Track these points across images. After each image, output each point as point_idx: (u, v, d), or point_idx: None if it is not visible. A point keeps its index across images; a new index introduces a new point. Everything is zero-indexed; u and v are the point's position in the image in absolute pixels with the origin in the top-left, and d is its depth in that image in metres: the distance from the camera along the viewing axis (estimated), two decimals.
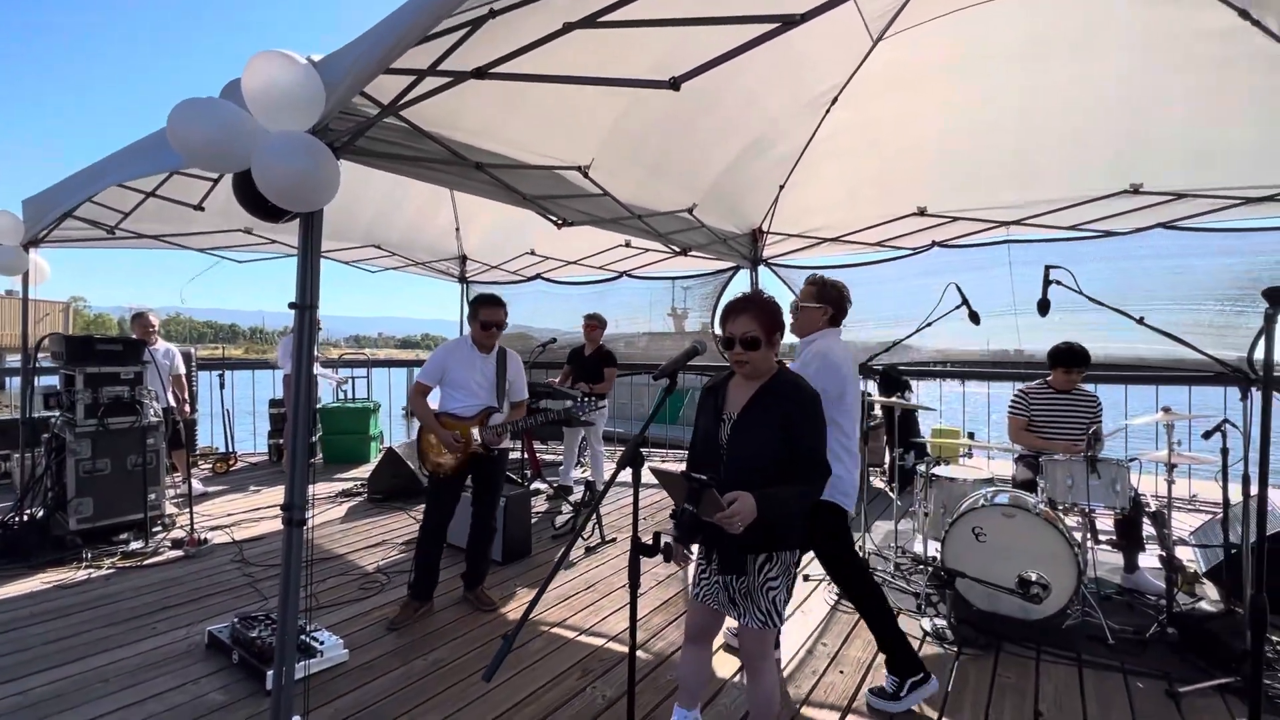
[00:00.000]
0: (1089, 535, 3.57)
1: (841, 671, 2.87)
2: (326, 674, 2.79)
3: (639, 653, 3.03)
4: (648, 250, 6.08)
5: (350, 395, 8.00)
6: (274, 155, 1.88)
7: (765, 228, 5.58)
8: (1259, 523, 1.62)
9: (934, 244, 5.15)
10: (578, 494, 5.67)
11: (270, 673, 2.54)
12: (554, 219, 3.59)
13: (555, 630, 3.27)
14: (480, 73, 1.91)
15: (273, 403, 7.30)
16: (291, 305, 2.16)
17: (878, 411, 6.27)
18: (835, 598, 3.64)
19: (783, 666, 2.90)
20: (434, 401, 3.49)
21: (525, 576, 4.00)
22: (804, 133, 4.55)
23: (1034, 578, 3.19)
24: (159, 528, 4.70)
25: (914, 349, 5.92)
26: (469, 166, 2.96)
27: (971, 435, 5.95)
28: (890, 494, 4.62)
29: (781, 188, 5.12)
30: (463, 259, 7.54)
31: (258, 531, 4.77)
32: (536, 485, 5.96)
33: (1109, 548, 3.97)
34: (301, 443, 2.08)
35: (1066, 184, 4.34)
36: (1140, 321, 3.04)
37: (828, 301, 2.77)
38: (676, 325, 7.62)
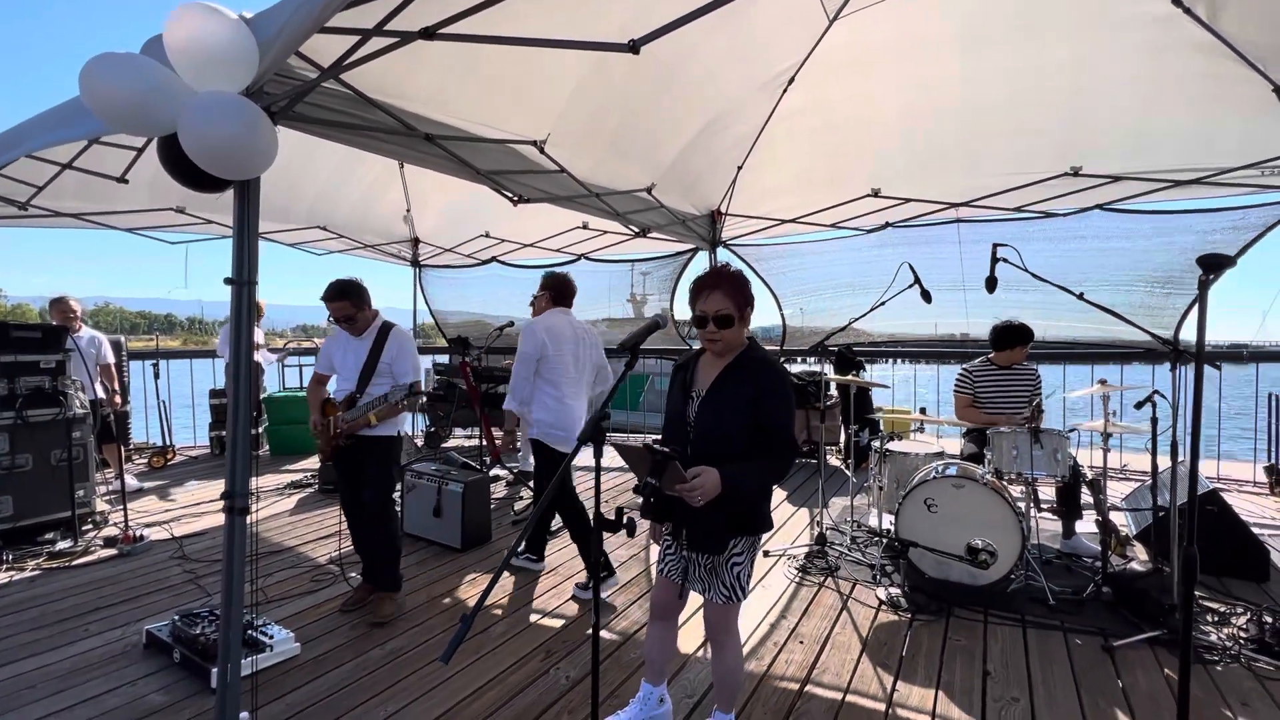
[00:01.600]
0: (1032, 503, 3.73)
1: (801, 643, 2.92)
2: (277, 669, 2.68)
3: (603, 633, 3.03)
4: (606, 232, 6.02)
5: (300, 384, 7.69)
6: (202, 117, 1.75)
7: (724, 209, 5.59)
8: (1190, 482, 1.71)
9: (887, 224, 5.26)
10: None
11: (215, 670, 2.42)
12: (509, 195, 3.49)
13: (518, 614, 3.23)
14: (428, 33, 1.81)
15: (213, 393, 6.95)
16: (228, 281, 2.02)
17: (834, 391, 6.41)
18: (795, 572, 3.71)
19: (745, 640, 2.94)
20: None
21: (485, 563, 3.93)
22: (761, 113, 4.55)
23: (982, 545, 3.32)
24: (89, 526, 4.42)
25: (867, 332, 6.11)
26: (418, 138, 2.83)
27: (923, 411, 6.14)
28: (846, 471, 4.74)
29: (740, 168, 5.12)
30: (415, 242, 7.30)
31: (200, 526, 4.55)
32: (496, 471, 5.87)
33: (1050, 515, 4.16)
34: (243, 426, 1.96)
35: (1011, 166, 4.47)
36: (1080, 296, 3.16)
37: (548, 288, 3.62)
38: (636, 310, 7.60)
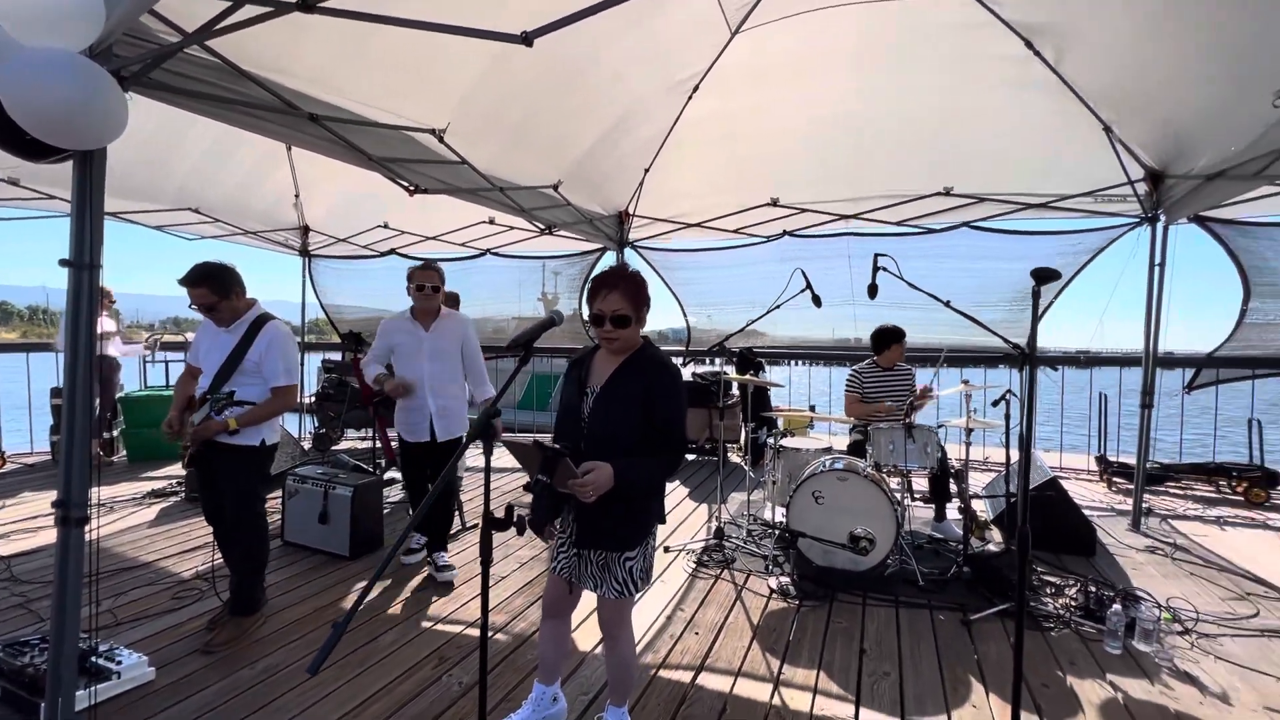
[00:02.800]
0: (907, 493, 4.06)
1: (696, 633, 3.01)
2: (127, 698, 2.41)
3: (499, 635, 2.97)
4: (513, 228, 5.90)
5: (167, 383, 6.94)
6: (30, 75, 1.54)
7: (631, 210, 5.65)
8: (1022, 470, 1.93)
9: (785, 233, 5.53)
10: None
11: (44, 704, 2.14)
12: (404, 184, 3.34)
13: (409, 621, 3.09)
14: (307, 5, 1.70)
15: (54, 392, 6.13)
16: (64, 263, 1.79)
17: (735, 390, 6.65)
18: (694, 565, 3.81)
19: (642, 633, 2.98)
20: None
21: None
22: (668, 117, 4.65)
23: (862, 533, 3.56)
24: None
25: (772, 337, 6.43)
26: (301, 118, 2.65)
27: (813, 408, 6.51)
28: (746, 467, 4.94)
29: (647, 170, 5.19)
30: (305, 230, 6.82)
31: (35, 544, 4.00)
32: (392, 474, 5.59)
33: (923, 503, 4.54)
34: (81, 423, 1.75)
35: (894, 182, 4.85)
36: (947, 304, 3.47)
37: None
38: (547, 309, 7.51)
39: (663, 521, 2.11)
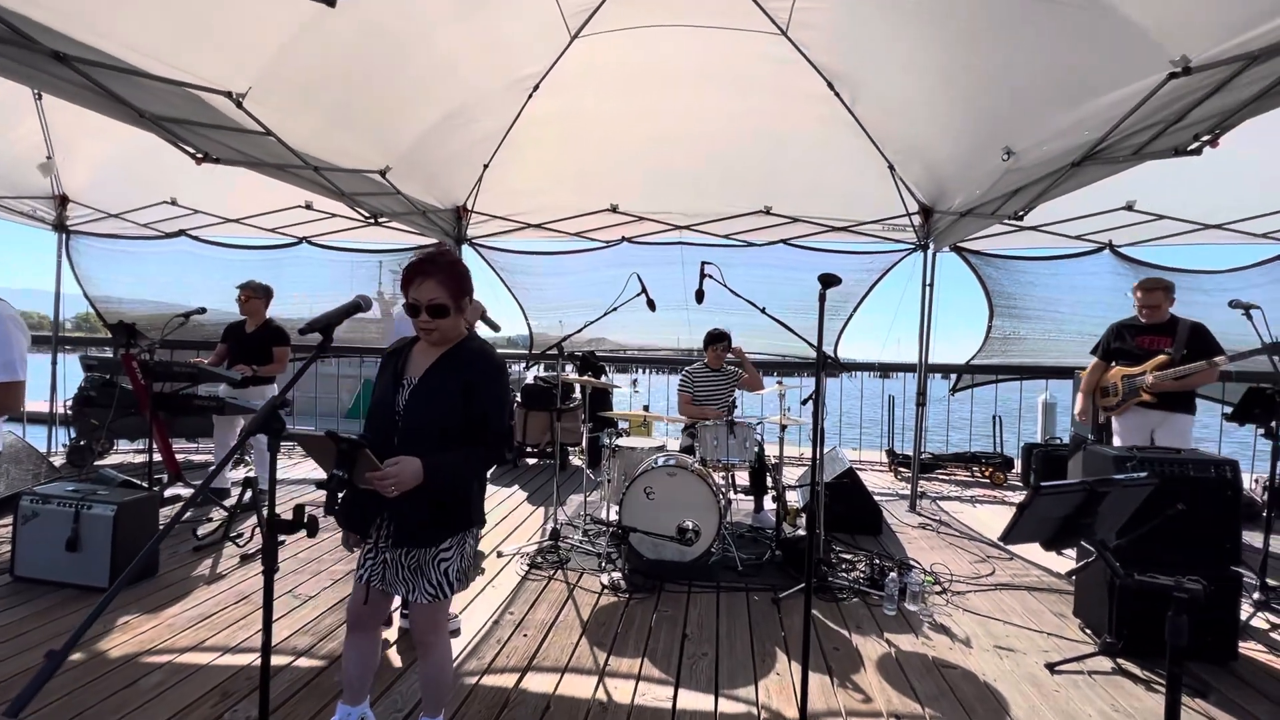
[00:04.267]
0: (730, 486, 4.37)
1: (525, 635, 2.95)
2: None
3: (301, 661, 2.67)
4: (334, 214, 5.40)
5: None
6: None
7: (470, 205, 5.46)
8: (814, 461, 2.16)
9: (623, 239, 5.70)
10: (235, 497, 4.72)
11: None
12: (190, 150, 2.89)
13: (186, 657, 2.66)
14: None
15: None
16: None
17: (577, 393, 6.69)
18: (526, 568, 3.75)
19: (468, 639, 2.86)
20: None
21: (147, 600, 3.17)
22: (507, 113, 4.57)
23: (689, 525, 3.76)
24: None
25: (621, 345, 6.60)
26: (41, 54, 2.18)
27: (646, 408, 6.74)
28: (586, 469, 4.99)
29: (486, 166, 5.06)
30: (61, 200, 5.64)
31: None
32: (177, 490, 4.80)
33: (744, 495, 4.92)
34: None
35: (721, 199, 5.23)
36: (763, 311, 3.81)
37: None
38: (384, 310, 6.97)
39: (481, 522, 2.04)
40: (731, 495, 4.89)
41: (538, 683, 2.56)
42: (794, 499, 5.17)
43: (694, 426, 4.67)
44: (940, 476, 6.51)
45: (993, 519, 5.10)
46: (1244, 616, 3.13)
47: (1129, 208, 4.86)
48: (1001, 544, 4.39)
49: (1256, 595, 3.39)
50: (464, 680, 2.55)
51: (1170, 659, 1.24)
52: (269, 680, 1.49)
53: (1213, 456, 3.05)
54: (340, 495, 1.50)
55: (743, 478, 5.01)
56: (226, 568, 3.63)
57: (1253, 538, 3.91)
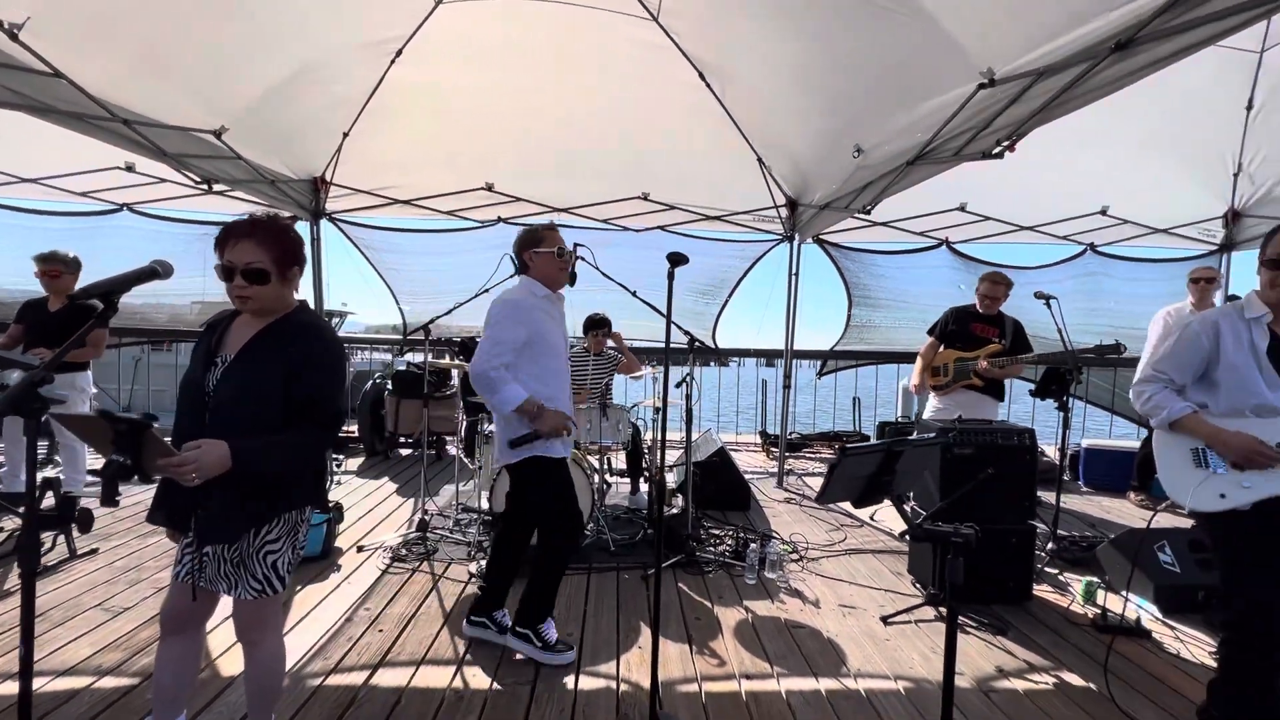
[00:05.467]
0: (608, 469, 4.40)
1: (380, 630, 2.80)
2: None
3: (108, 680, 2.35)
4: (163, 179, 4.77)
5: None
6: None
7: (329, 177, 5.04)
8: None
9: (500, 220, 5.53)
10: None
11: None
12: None
13: None
14: None
15: None
16: None
17: (454, 379, 6.43)
18: (388, 562, 3.55)
19: (314, 641, 2.66)
20: None
21: None
22: (368, 78, 4.25)
23: None
24: None
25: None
26: None
27: None
28: (460, 456, 4.81)
29: (346, 135, 4.68)
30: None
31: None
32: None
33: (621, 477, 4.98)
34: None
35: (599, 183, 5.21)
36: (634, 294, 3.85)
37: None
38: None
39: (321, 507, 1.90)
40: (610, 478, 4.93)
41: (390, 678, 2.43)
42: (670, 479, 5.31)
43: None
44: (807, 455, 6.97)
45: None
46: (1039, 563, 3.63)
47: (962, 208, 5.44)
48: (854, 515, 4.81)
49: (1050, 545, 3.94)
50: (304, 684, 2.36)
51: (949, 594, 1.39)
52: (29, 706, 1.28)
53: (1015, 426, 3.49)
54: (117, 483, 1.31)
55: (621, 461, 5.06)
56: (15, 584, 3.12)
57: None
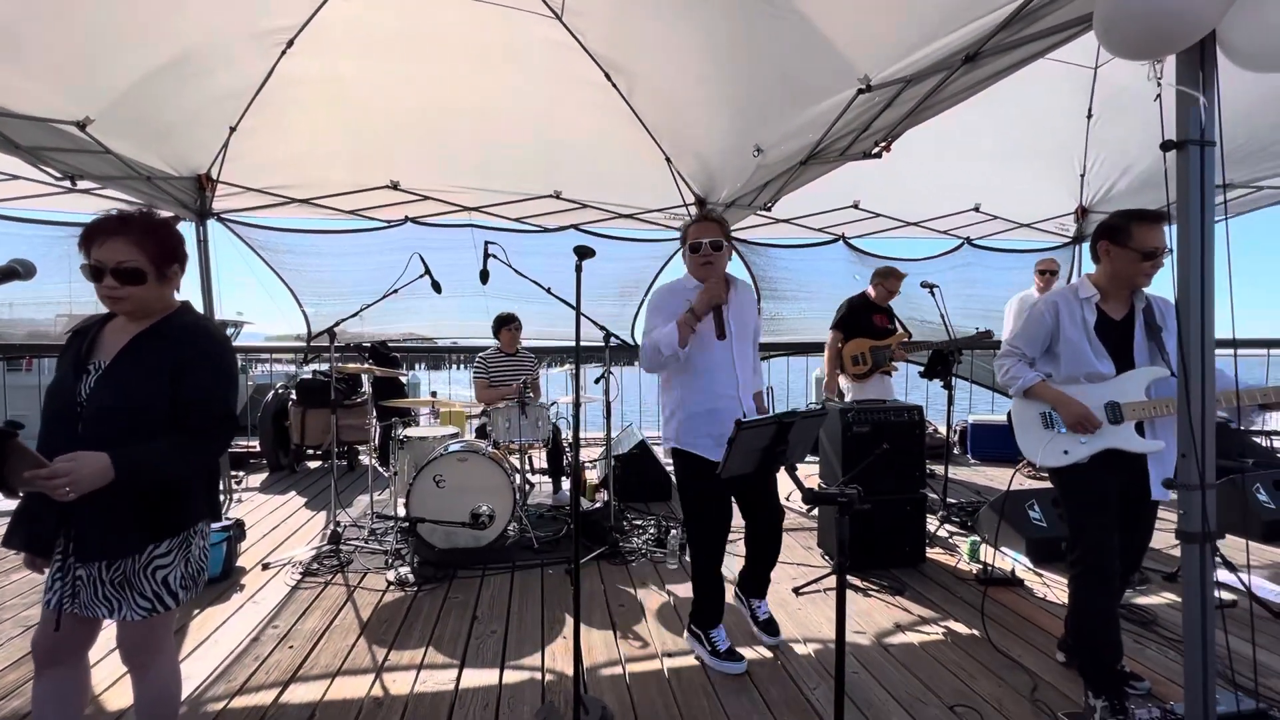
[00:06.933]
0: (529, 467, 4.38)
1: (291, 647, 2.67)
2: None
3: None
4: (19, 177, 4.29)
5: None
6: None
7: (215, 175, 4.70)
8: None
9: (407, 219, 5.37)
10: None
11: None
12: None
13: None
14: None
15: None
16: None
17: (366, 386, 6.16)
18: (299, 577, 3.39)
19: (215, 665, 2.51)
20: None
21: None
22: (256, 69, 4.01)
23: (484, 509, 3.70)
24: None
25: (428, 337, 6.23)
26: None
27: (435, 394, 6.45)
28: (374, 464, 4.63)
29: (233, 130, 4.39)
30: None
31: None
32: None
33: (544, 475, 4.97)
34: None
35: (511, 181, 5.17)
36: (549, 291, 3.87)
37: None
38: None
39: (215, 516, 1.80)
40: (532, 478, 4.91)
41: (302, 693, 2.34)
42: (592, 476, 5.36)
43: (491, 411, 4.60)
44: None
45: None
46: (931, 528, 3.97)
47: (855, 206, 5.83)
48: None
49: (941, 512, 4.32)
50: (205, 709, 2.23)
51: (838, 550, 1.53)
52: None
53: (905, 404, 3.81)
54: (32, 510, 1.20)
55: (542, 461, 5.06)
56: None
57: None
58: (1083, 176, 5.61)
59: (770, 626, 2.75)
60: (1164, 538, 3.36)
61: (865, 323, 4.70)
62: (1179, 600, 3.09)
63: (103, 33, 3.13)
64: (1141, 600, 3.09)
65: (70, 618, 1.63)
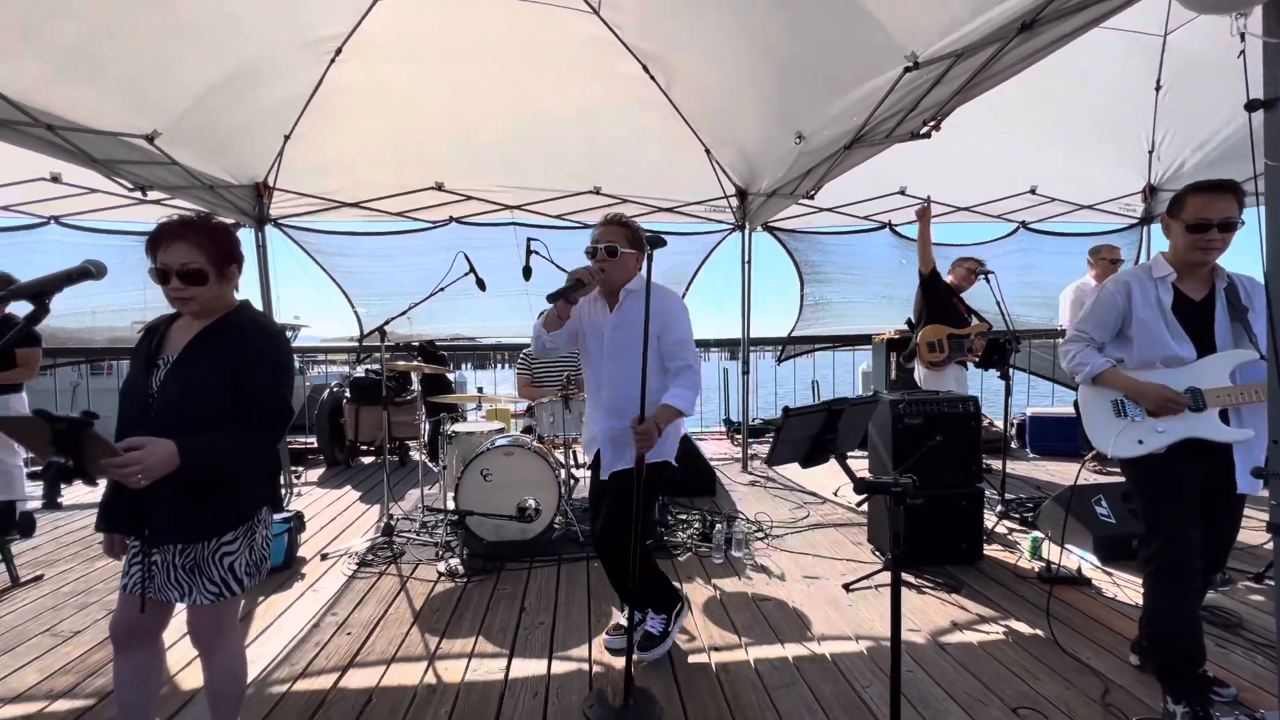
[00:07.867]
0: (573, 461, 4.41)
1: (349, 634, 2.77)
2: None
3: (61, 702, 2.27)
4: (95, 190, 4.58)
5: None
6: None
7: (271, 183, 4.90)
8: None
9: (451, 219, 5.48)
10: None
11: None
12: None
13: None
14: None
15: None
16: None
17: (415, 384, 6.34)
18: (355, 567, 3.50)
19: (279, 650, 2.62)
20: None
21: None
22: (308, 79, 4.16)
23: (529, 503, 3.75)
24: None
25: (468, 337, 6.38)
26: None
27: (480, 390, 6.56)
28: (424, 459, 4.75)
29: (287, 138, 4.57)
30: None
31: None
32: None
33: (587, 470, 4.99)
34: None
35: (550, 178, 5.21)
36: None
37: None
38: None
39: (276, 505, 1.88)
40: (576, 472, 4.95)
41: (359, 678, 2.41)
42: None
43: (535, 407, 4.65)
44: (768, 438, 7.12)
45: (812, 471, 5.69)
46: (988, 524, 3.81)
47: (902, 192, 5.64)
48: (816, 492, 4.95)
49: (999, 507, 4.14)
50: (270, 690, 2.33)
51: (892, 542, 1.48)
52: None
53: (960, 395, 3.66)
54: (59, 485, 1.28)
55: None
56: None
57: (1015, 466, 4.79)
58: (1151, 152, 5.27)
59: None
60: (1248, 536, 3.13)
61: (948, 308, 4.52)
62: (1268, 602, 2.87)
63: (167, 51, 3.30)
64: (1225, 603, 2.89)
65: (146, 601, 1.72)
